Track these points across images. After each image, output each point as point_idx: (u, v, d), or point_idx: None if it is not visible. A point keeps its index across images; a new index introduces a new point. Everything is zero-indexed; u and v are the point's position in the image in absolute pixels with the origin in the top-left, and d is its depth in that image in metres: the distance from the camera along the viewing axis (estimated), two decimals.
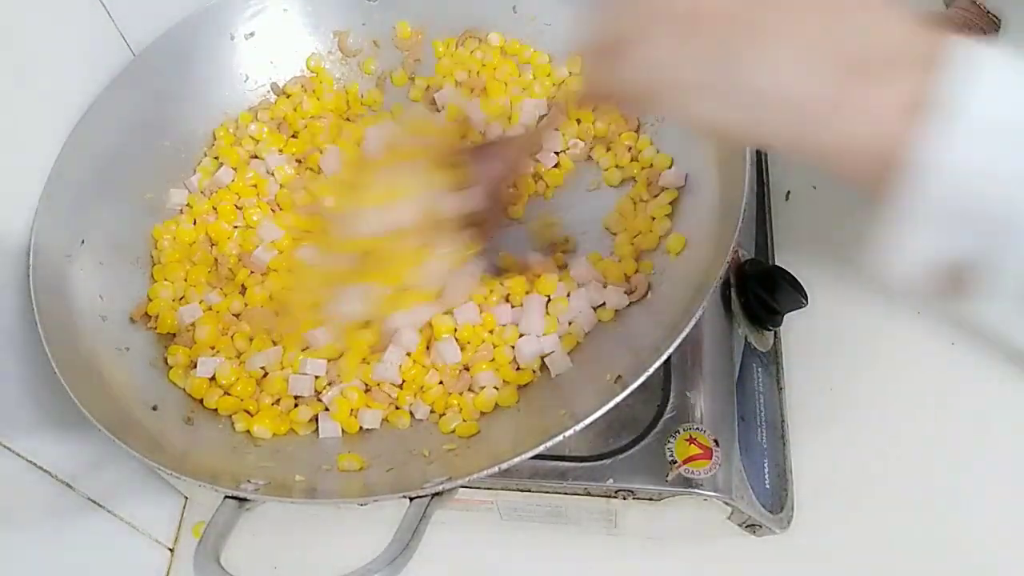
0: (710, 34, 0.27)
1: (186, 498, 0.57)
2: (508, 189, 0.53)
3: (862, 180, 0.25)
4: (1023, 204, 0.22)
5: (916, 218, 0.23)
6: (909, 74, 0.24)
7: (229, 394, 0.48)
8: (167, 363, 0.49)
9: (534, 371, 0.47)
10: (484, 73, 0.60)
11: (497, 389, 0.47)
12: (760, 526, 0.47)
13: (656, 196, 0.51)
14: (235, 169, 0.56)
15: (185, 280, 0.52)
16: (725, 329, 0.50)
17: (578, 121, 0.57)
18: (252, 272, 0.52)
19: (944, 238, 0.24)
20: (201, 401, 0.48)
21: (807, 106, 0.25)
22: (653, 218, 0.50)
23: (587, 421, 0.37)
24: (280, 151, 0.58)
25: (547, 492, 0.46)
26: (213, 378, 0.48)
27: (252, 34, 0.60)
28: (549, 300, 0.49)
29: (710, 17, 0.27)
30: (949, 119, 0.22)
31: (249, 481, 0.40)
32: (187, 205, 0.55)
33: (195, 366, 0.48)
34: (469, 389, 0.47)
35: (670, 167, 0.52)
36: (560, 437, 0.37)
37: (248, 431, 0.47)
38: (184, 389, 0.48)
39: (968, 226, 0.23)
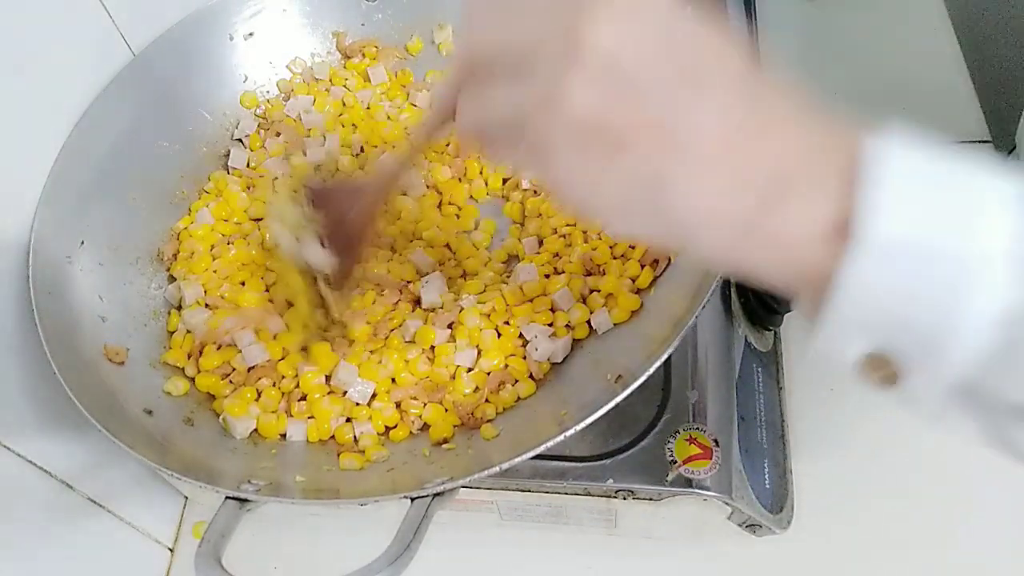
0: (632, 151, 0.24)
1: (186, 498, 0.57)
2: (357, 242, 0.46)
3: (793, 295, 0.26)
4: (920, 324, 0.23)
5: (834, 325, 0.24)
6: (823, 191, 0.23)
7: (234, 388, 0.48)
8: (199, 368, 0.49)
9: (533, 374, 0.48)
10: None
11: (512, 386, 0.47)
12: (760, 526, 0.47)
13: None
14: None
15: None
16: (725, 329, 0.50)
17: None
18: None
19: (862, 343, 0.24)
20: (209, 394, 0.48)
21: (730, 229, 0.24)
22: None
23: (587, 421, 0.37)
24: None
25: (547, 492, 0.46)
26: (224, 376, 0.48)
27: (251, 34, 0.60)
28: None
29: (624, 129, 0.24)
30: (857, 241, 0.22)
31: (250, 482, 0.40)
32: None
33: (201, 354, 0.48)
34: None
35: None
36: (560, 437, 0.37)
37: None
38: (185, 389, 0.48)
39: (881, 335, 0.24)
